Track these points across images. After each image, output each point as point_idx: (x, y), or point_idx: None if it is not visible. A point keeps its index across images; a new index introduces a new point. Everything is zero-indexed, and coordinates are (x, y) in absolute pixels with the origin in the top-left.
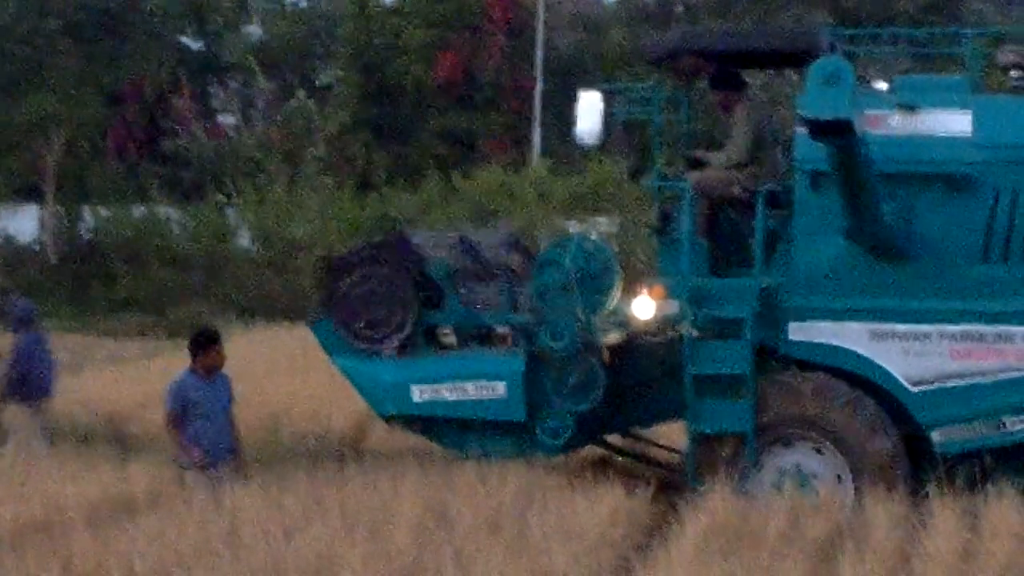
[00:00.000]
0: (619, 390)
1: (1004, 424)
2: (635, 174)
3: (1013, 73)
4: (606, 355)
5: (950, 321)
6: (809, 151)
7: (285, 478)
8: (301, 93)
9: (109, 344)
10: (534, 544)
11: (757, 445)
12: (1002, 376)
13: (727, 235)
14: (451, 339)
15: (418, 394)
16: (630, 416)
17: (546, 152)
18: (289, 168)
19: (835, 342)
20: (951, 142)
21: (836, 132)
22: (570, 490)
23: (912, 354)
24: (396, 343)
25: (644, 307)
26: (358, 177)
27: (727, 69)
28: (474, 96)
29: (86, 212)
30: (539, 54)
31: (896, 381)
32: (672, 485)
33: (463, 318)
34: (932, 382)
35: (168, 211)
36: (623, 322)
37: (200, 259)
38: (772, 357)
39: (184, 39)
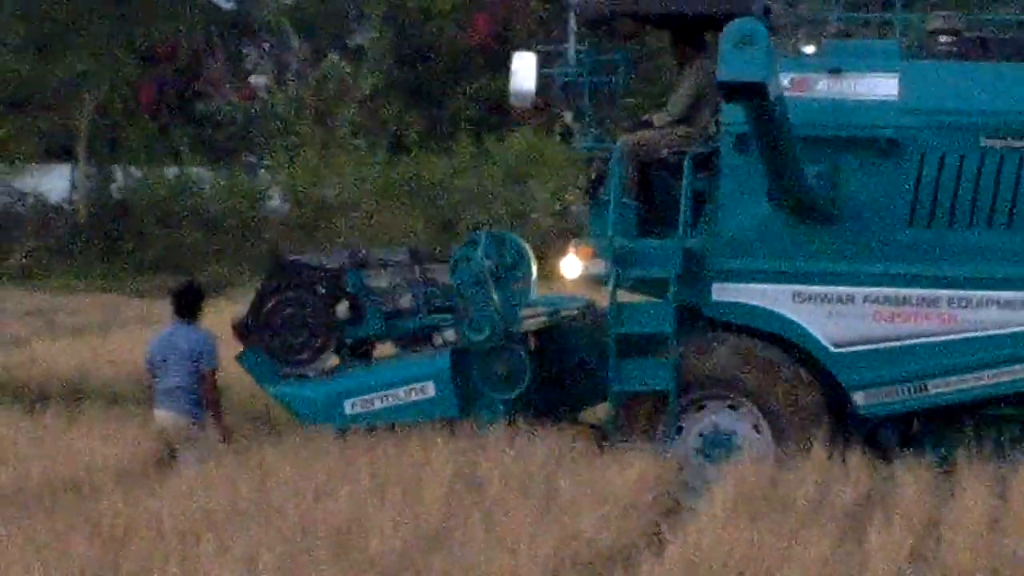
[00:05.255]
0: (552, 374)
1: (927, 387)
2: (566, 136)
3: (942, 38)
4: (532, 341)
5: (874, 284)
6: (736, 113)
7: (315, 440)
8: (334, 55)
9: (139, 304)
10: (563, 507)
11: (677, 405)
12: (926, 340)
13: (659, 196)
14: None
15: (350, 407)
16: (568, 398)
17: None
18: (321, 130)
19: (758, 304)
20: (877, 106)
21: (750, 94)
22: (599, 454)
23: (835, 316)
24: (325, 363)
25: (571, 266)
26: (390, 139)
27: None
28: (508, 59)
29: (118, 172)
30: (572, 16)
31: (818, 343)
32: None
33: (382, 328)
34: (855, 344)
35: (200, 172)
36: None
37: (231, 220)
38: (699, 318)
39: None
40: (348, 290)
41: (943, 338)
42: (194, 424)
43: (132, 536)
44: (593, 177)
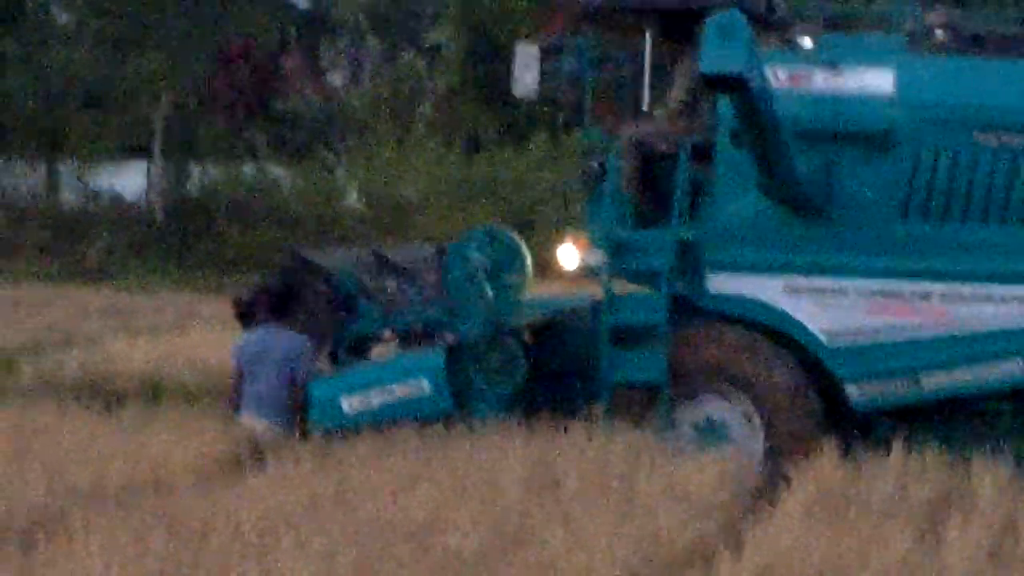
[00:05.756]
0: (553, 370)
1: (920, 381)
2: (569, 129)
3: (939, 32)
4: (528, 336)
5: (868, 277)
6: (731, 105)
7: (393, 437)
8: (410, 53)
9: (215, 303)
10: (642, 506)
11: (668, 395)
12: (918, 333)
13: (661, 189)
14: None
15: (347, 405)
16: (569, 394)
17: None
18: (397, 128)
19: (752, 295)
20: (873, 100)
21: (731, 86)
22: (678, 453)
23: (829, 309)
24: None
25: (568, 256)
26: (466, 137)
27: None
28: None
29: (194, 170)
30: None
31: (812, 335)
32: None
33: (380, 324)
34: (848, 337)
35: (276, 170)
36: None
37: (308, 218)
38: (693, 309)
39: None
40: (344, 289)
41: (936, 332)
42: (282, 430)
43: (210, 535)
44: (592, 169)
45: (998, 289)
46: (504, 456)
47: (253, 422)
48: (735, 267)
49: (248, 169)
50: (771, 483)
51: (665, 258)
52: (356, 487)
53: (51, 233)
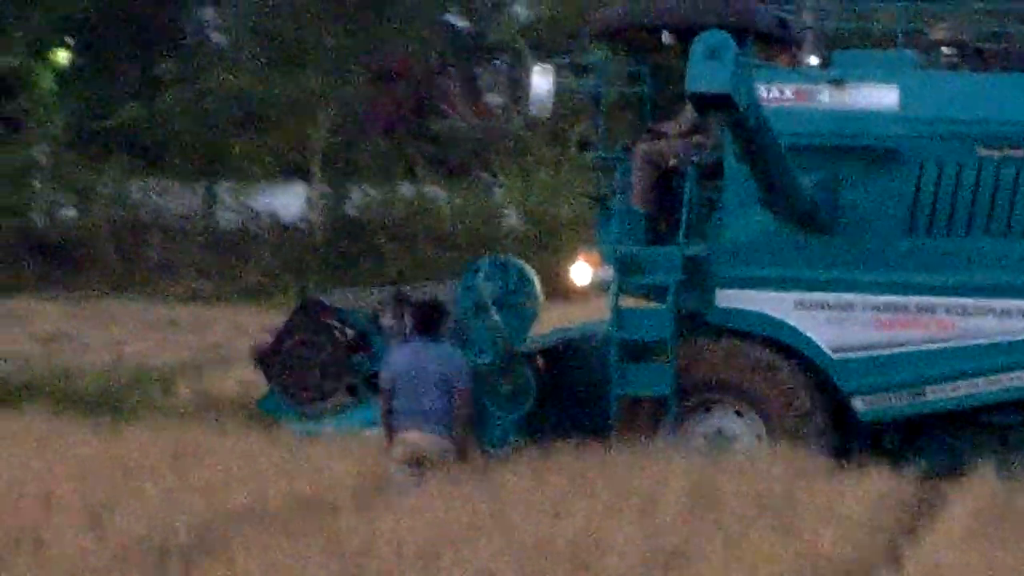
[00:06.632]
0: (565, 395)
1: (925, 393)
2: (583, 146)
3: (945, 49)
4: (540, 361)
5: (874, 291)
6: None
7: (551, 457)
8: (567, 74)
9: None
10: (802, 525)
11: (677, 409)
12: (924, 346)
13: (673, 204)
14: None
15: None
16: (582, 419)
17: None
18: (556, 148)
19: (761, 310)
20: (878, 116)
21: (718, 105)
22: (838, 471)
23: (836, 323)
24: (336, 402)
25: (581, 273)
26: None
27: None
28: None
29: (353, 190)
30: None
31: (819, 349)
32: (938, 468)
33: None
34: (855, 350)
35: (434, 190)
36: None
37: (466, 238)
38: (702, 324)
39: (450, 18)
40: (358, 329)
41: (941, 345)
42: (449, 446)
43: (371, 553)
44: (605, 185)
45: (1003, 302)
46: (663, 474)
47: (418, 438)
48: (744, 283)
49: (406, 189)
50: (929, 501)
51: (673, 274)
52: (515, 505)
53: (209, 254)
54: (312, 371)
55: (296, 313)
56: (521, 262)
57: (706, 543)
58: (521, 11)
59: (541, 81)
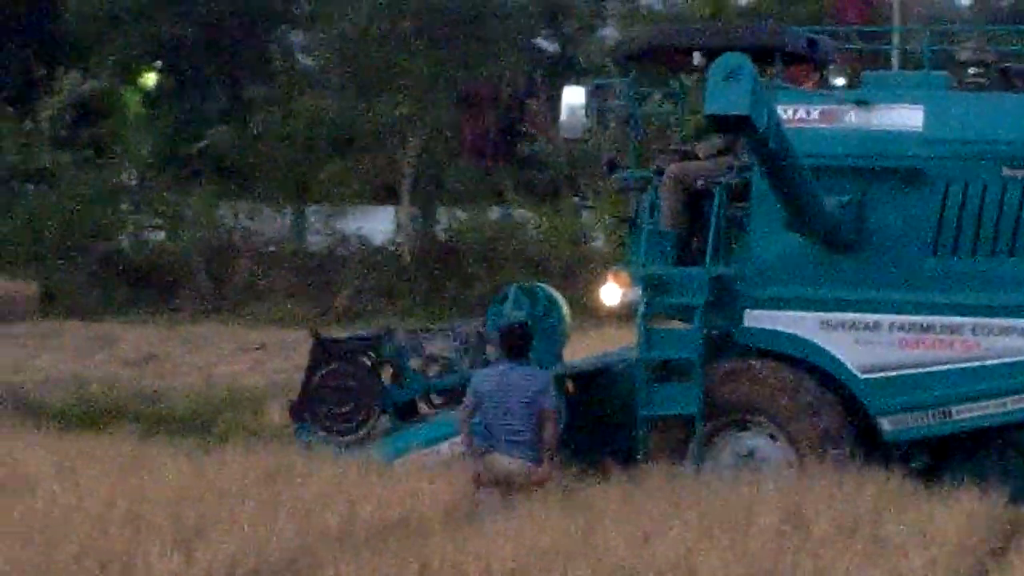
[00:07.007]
0: (596, 420)
1: (951, 412)
2: (612, 168)
3: (971, 70)
4: (569, 386)
5: (900, 312)
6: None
7: (642, 480)
8: (656, 96)
9: None
10: (891, 549)
11: (705, 429)
12: (950, 366)
13: (703, 225)
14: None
15: (402, 467)
16: (613, 443)
17: None
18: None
19: (788, 330)
20: (903, 136)
21: (736, 127)
22: (926, 495)
23: (862, 343)
24: (374, 428)
25: (610, 293)
26: None
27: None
28: None
29: (442, 213)
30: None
31: (846, 369)
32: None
33: (423, 387)
34: (881, 371)
35: (523, 213)
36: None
37: (555, 261)
38: (730, 344)
39: (539, 41)
40: (385, 355)
41: (967, 365)
42: (535, 469)
43: None
44: (648, 207)
45: None
46: (753, 498)
47: (506, 462)
48: (772, 303)
49: (495, 212)
50: (1018, 523)
51: (700, 294)
52: (606, 528)
53: (299, 277)
54: (343, 401)
55: (312, 351)
56: (549, 287)
57: (796, 567)
58: (610, 34)
59: (572, 102)
